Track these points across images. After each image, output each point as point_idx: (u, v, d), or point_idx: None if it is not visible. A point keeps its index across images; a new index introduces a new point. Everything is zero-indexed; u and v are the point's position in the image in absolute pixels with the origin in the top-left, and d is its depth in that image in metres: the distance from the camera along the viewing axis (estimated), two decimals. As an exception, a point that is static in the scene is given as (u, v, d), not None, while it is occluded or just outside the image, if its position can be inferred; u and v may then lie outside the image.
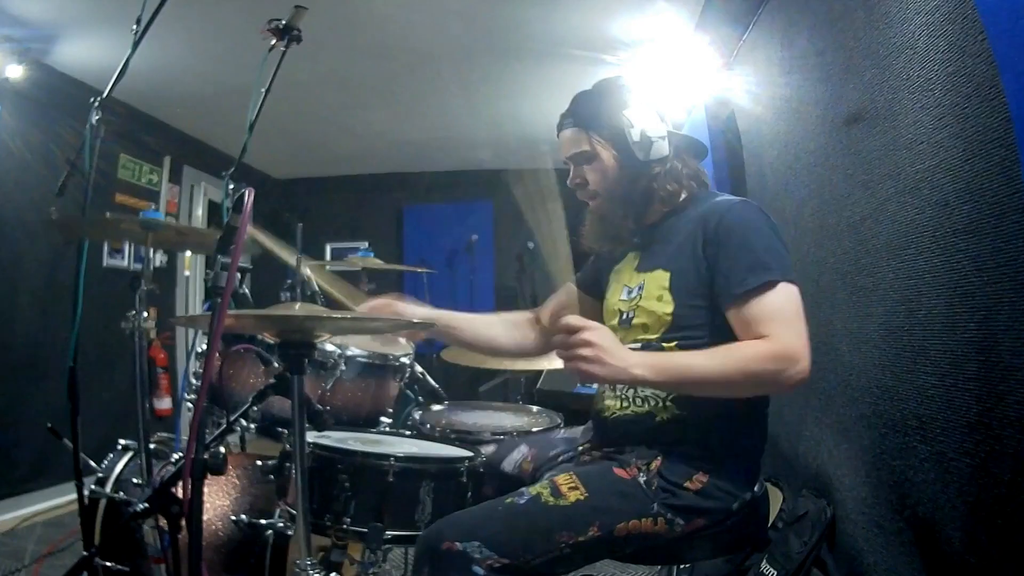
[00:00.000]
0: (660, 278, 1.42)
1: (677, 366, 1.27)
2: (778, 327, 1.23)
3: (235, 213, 1.13)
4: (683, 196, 1.51)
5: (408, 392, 2.50)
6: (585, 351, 1.22)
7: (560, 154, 1.56)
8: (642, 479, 1.32)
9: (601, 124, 1.48)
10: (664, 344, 1.38)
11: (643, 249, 1.53)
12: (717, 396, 1.31)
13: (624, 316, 1.48)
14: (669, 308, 1.38)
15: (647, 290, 1.43)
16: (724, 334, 1.30)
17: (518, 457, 1.66)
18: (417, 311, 1.64)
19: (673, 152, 1.48)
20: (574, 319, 1.25)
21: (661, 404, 1.38)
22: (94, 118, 1.76)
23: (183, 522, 1.11)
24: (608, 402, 1.47)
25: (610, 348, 1.24)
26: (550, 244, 1.35)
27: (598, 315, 1.59)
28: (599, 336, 1.23)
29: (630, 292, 1.49)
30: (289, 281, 2.60)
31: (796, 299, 1.27)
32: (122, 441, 2.13)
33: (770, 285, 1.26)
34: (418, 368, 2.50)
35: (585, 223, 1.59)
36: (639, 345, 1.41)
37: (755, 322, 1.25)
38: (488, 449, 1.74)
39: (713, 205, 1.40)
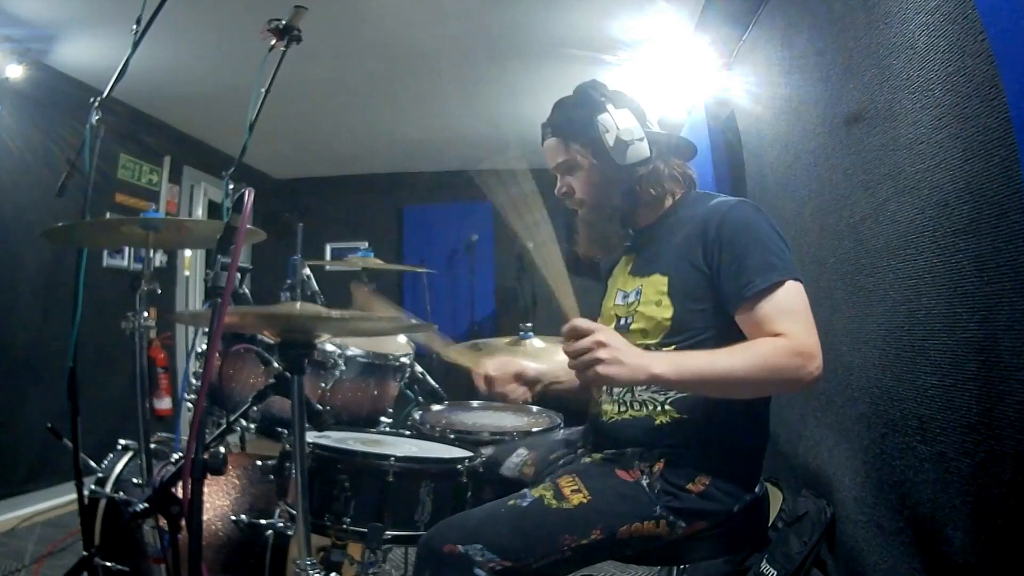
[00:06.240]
0: (658, 283, 1.40)
1: (698, 364, 1.23)
2: (791, 324, 1.22)
3: (235, 213, 1.13)
4: (672, 198, 1.50)
5: (408, 392, 2.49)
6: (600, 353, 1.17)
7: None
8: (645, 481, 1.31)
9: (577, 132, 1.47)
10: (663, 349, 1.36)
11: (637, 252, 1.52)
12: (734, 396, 1.29)
13: (621, 321, 1.47)
14: (668, 313, 1.37)
15: (645, 295, 1.42)
16: (730, 335, 1.28)
17: (518, 461, 1.65)
18: (531, 368, 1.66)
19: (656, 153, 1.45)
20: (581, 322, 1.21)
21: (659, 408, 1.36)
22: (94, 118, 1.75)
23: (183, 522, 1.11)
24: (605, 407, 1.46)
25: (624, 348, 1.20)
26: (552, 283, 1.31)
27: None
28: (610, 337, 1.20)
29: (626, 297, 1.48)
30: (289, 281, 2.60)
31: (804, 296, 1.27)
32: (122, 441, 2.13)
33: (778, 284, 1.25)
34: (418, 368, 2.50)
35: (577, 232, 1.57)
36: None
37: (767, 322, 1.24)
38: (487, 451, 1.73)
39: (712, 208, 1.38)
